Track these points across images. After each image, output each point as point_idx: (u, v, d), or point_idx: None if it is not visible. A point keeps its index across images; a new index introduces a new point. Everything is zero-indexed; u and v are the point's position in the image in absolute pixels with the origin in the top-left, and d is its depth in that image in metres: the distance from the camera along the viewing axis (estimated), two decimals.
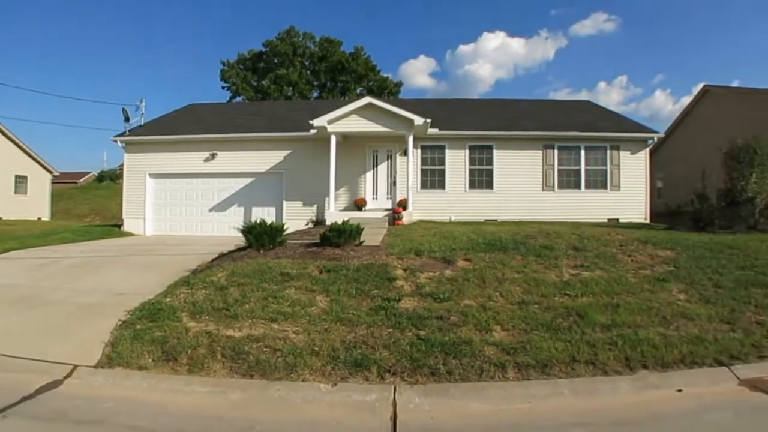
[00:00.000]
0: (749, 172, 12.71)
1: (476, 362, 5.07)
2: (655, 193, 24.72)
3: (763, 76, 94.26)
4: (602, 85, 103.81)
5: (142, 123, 20.14)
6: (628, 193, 18.81)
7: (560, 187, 18.80)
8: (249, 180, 18.50)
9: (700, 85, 29.38)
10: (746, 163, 12.77)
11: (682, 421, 4.05)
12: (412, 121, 16.17)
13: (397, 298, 6.79)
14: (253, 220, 10.47)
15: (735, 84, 58.46)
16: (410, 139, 16.64)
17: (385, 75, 53.06)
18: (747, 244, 9.55)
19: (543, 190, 18.70)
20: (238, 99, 47.88)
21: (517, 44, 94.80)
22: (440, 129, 17.87)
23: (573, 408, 4.35)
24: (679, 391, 4.60)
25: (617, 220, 17.52)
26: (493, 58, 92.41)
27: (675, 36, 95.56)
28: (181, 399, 4.57)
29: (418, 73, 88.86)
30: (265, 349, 5.42)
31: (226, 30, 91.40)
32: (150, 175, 18.86)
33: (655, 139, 20.22)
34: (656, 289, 7.24)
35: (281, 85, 47.89)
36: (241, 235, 10.32)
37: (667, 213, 18.21)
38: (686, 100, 31.51)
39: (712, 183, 13.45)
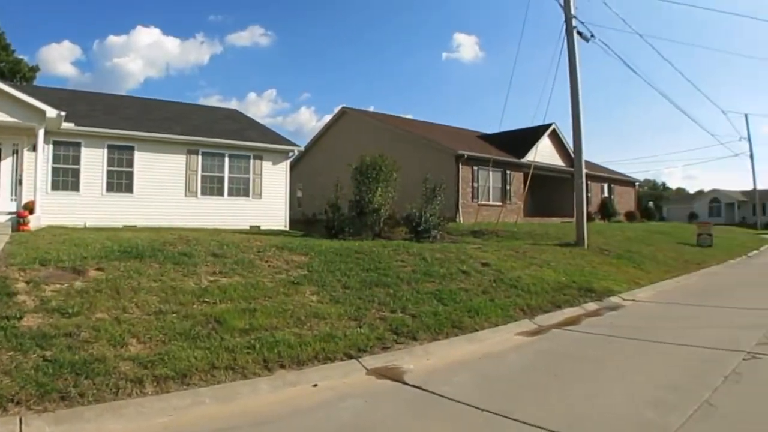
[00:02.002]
0: (375, 186, 14.57)
1: (111, 380, 4.59)
2: (295, 202, 26.64)
3: (392, 104, 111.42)
4: (253, 96, 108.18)
5: None
6: (270, 202, 19.83)
7: (204, 193, 18.83)
8: None
9: (340, 106, 32.94)
10: (373, 179, 14.61)
11: (319, 412, 4.33)
12: (44, 112, 14.31)
13: (18, 316, 5.75)
14: None
15: (371, 109, 66.73)
16: (41, 133, 14.72)
17: (20, 57, 45.36)
18: (372, 249, 10.91)
19: (186, 195, 18.46)
20: None
21: (171, 44, 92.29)
22: (77, 124, 16.28)
23: (215, 415, 4.28)
24: (315, 385, 4.92)
25: (259, 227, 18.31)
26: (145, 55, 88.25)
27: (322, 59, 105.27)
28: None
29: (60, 60, 79.24)
30: None
31: None
32: None
33: (296, 152, 21.81)
34: (291, 292, 7.67)
35: None
36: None
37: (305, 221, 19.74)
38: (328, 118, 34.89)
39: (344, 194, 15.01)
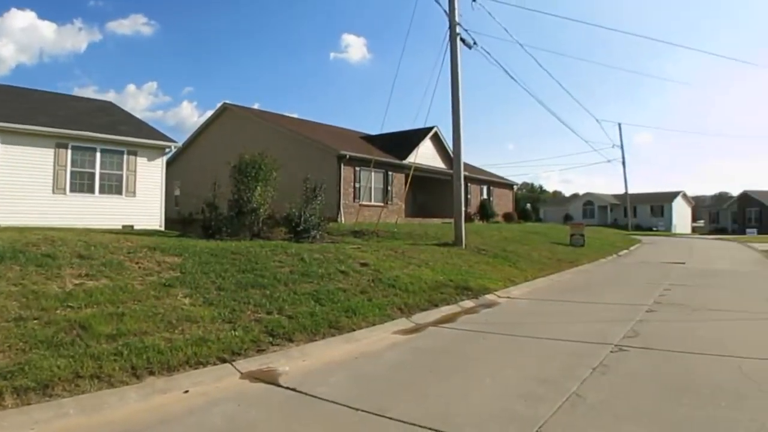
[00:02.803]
0: (254, 185, 14.36)
1: None
2: (172, 201, 25.73)
3: (278, 102, 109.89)
4: (132, 88, 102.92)
5: None
6: (144, 200, 19.05)
7: (73, 190, 17.75)
8: None
9: (222, 102, 32.08)
10: (252, 177, 14.37)
11: (189, 419, 4.25)
12: None
13: None
14: None
15: (256, 106, 65.66)
16: None
17: None
18: (249, 249, 10.75)
19: (54, 193, 17.30)
20: None
21: (47, 29, 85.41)
22: None
23: (80, 427, 4.08)
24: (186, 392, 4.81)
25: (132, 226, 17.51)
26: (18, 39, 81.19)
27: (207, 52, 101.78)
28: None
29: None
30: None
31: None
32: None
33: (173, 148, 21.04)
34: (162, 295, 7.42)
35: None
36: None
37: (181, 221, 19.12)
38: (210, 114, 33.79)
39: (223, 193, 14.68)
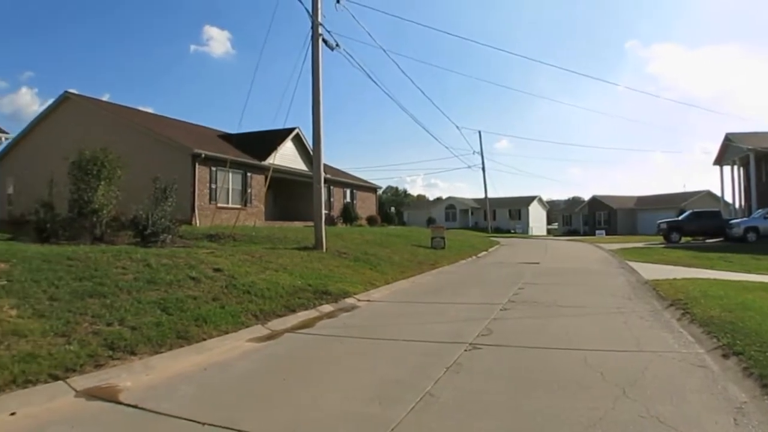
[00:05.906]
0: (97, 184, 13.51)
1: None
2: (5, 200, 23.67)
3: (133, 95, 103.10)
4: None
5: None
6: None
7: None
8: None
9: (63, 91, 29.58)
10: (94, 175, 13.53)
11: None
12: None
13: None
14: None
15: (106, 97, 61.69)
16: None
17: None
18: (88, 255, 10.04)
19: None
20: None
21: None
22: None
23: None
24: (13, 414, 4.45)
25: None
26: None
27: (53, 34, 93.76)
28: None
29: None
30: None
31: None
32: None
33: (3, 139, 19.36)
34: None
35: None
36: None
37: (13, 222, 17.65)
38: (50, 103, 30.98)
39: (61, 192, 13.69)
